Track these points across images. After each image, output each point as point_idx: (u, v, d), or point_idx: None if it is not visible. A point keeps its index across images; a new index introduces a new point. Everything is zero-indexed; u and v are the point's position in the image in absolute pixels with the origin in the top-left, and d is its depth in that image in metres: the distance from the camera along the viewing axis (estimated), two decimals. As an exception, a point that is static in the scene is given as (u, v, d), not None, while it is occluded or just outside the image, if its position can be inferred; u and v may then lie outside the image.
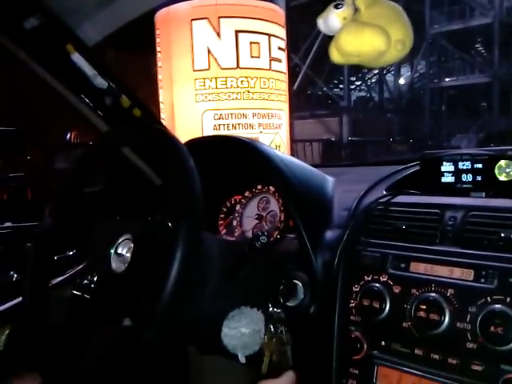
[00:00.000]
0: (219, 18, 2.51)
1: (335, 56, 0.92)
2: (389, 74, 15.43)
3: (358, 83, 16.04)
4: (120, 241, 0.92)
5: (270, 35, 2.62)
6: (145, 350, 0.79)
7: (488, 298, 0.77)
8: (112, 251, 0.92)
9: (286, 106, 2.84)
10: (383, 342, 0.86)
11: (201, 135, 2.56)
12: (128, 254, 0.90)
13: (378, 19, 0.87)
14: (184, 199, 0.82)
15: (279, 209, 1.25)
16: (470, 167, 0.93)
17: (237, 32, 2.53)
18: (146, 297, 0.84)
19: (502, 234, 0.81)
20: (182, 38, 2.55)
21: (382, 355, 0.87)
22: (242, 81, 2.57)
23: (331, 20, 0.89)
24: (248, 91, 2.58)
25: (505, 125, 11.51)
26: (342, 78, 14.53)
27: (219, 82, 2.55)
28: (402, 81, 15.19)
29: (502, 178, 0.89)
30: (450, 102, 14.63)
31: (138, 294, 0.88)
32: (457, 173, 0.95)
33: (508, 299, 0.75)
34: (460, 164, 0.94)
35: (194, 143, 1.35)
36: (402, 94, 14.77)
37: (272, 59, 2.66)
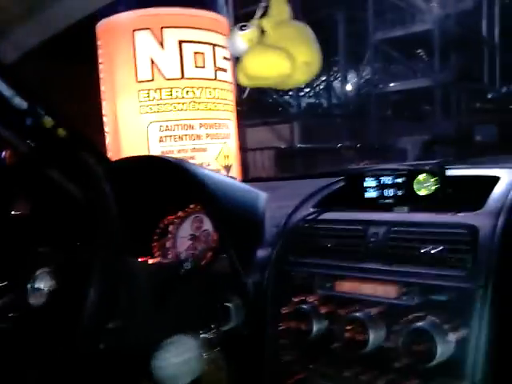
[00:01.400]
0: (162, 28, 2.48)
1: (242, 79, 0.90)
2: (336, 81, 15.76)
3: (307, 90, 16.30)
4: (37, 275, 0.88)
5: (214, 45, 2.60)
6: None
7: (410, 316, 0.76)
8: (29, 286, 0.88)
9: (233, 116, 2.82)
10: (313, 365, 0.85)
11: (146, 148, 2.51)
12: (46, 288, 0.86)
13: (284, 41, 0.85)
14: (99, 225, 0.80)
15: (213, 228, 1.22)
16: (391, 182, 0.93)
17: (180, 42, 2.50)
18: (65, 330, 0.81)
19: (422, 250, 0.81)
20: (125, 48, 2.50)
21: (312, 378, 0.85)
22: (187, 91, 2.53)
23: (237, 42, 0.87)
24: (194, 102, 2.55)
25: (447, 126, 11.98)
26: (291, 85, 14.71)
27: (164, 92, 2.51)
28: (349, 87, 15.55)
29: (421, 192, 0.90)
30: (395, 106, 15.10)
31: (57, 328, 0.84)
32: (379, 188, 0.95)
33: (428, 316, 0.75)
34: (382, 179, 0.94)
35: (124, 164, 1.31)
36: (350, 100, 15.11)
37: (217, 69, 2.64)
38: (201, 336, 0.96)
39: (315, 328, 0.84)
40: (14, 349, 0.89)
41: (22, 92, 1.29)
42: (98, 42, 2.67)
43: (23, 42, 1.33)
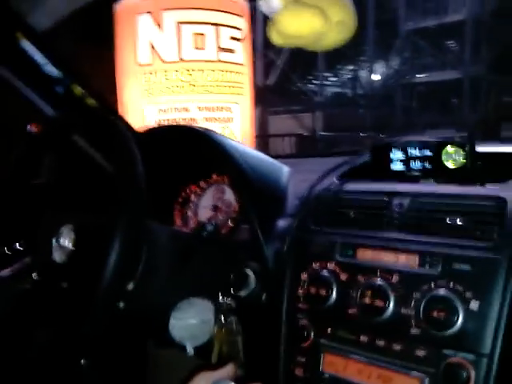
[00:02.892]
0: (161, 10, 2.43)
1: (275, 37, 0.89)
2: (363, 71, 15.55)
3: (333, 79, 16.14)
4: (62, 231, 0.90)
5: (217, 25, 2.51)
6: (83, 341, 0.78)
7: (431, 284, 0.76)
8: (54, 242, 0.90)
9: (242, 99, 2.69)
10: (329, 330, 0.85)
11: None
12: (70, 245, 0.88)
13: (318, 0, 0.84)
14: (123, 188, 0.81)
15: (234, 199, 1.23)
16: (418, 154, 0.93)
17: (179, 24, 2.44)
18: (86, 288, 0.82)
19: (447, 221, 0.81)
20: (129, 31, 2.49)
21: (328, 343, 0.86)
22: (184, 74, 2.48)
23: (272, 0, 0.86)
24: (190, 84, 2.49)
25: (475, 120, 11.74)
26: (316, 73, 14.59)
27: (161, 75, 2.47)
28: (375, 77, 15.32)
29: (450, 164, 0.89)
30: (422, 97, 14.83)
31: (79, 285, 0.86)
32: (406, 160, 0.94)
33: (451, 284, 0.75)
34: (409, 151, 0.93)
35: (151, 132, 1.32)
36: (375, 90, 14.90)
37: (221, 50, 2.53)
38: (219, 300, 0.97)
39: (334, 293, 0.84)
40: (34, 309, 0.91)
41: (53, 60, 1.31)
42: (115, 25, 2.67)
43: (56, 9, 1.35)
